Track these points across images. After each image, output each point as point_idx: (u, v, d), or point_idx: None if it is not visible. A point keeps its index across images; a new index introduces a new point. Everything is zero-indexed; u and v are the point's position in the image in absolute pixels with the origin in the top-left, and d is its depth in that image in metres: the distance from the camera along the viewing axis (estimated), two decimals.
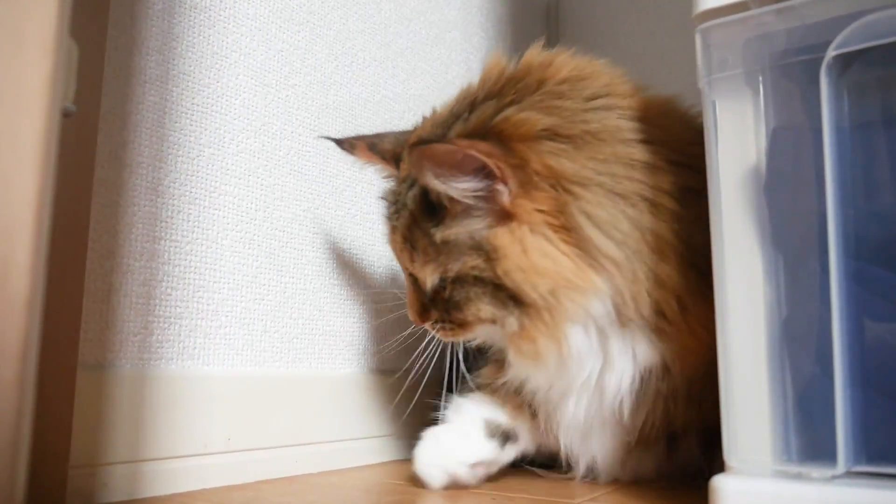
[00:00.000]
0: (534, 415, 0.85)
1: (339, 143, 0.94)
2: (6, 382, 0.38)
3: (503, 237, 0.70)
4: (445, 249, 0.75)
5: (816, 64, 0.57)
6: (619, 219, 0.70)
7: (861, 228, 0.57)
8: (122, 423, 0.75)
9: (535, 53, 0.79)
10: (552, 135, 0.71)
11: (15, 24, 0.39)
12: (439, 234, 0.75)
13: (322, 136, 0.97)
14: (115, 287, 0.77)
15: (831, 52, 0.57)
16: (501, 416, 0.85)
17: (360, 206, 1.08)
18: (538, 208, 0.70)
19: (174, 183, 0.83)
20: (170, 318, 0.82)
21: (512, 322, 0.73)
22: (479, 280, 0.73)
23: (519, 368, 0.77)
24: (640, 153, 0.72)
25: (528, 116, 0.71)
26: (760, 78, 0.61)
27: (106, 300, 0.76)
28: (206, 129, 0.87)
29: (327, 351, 1.01)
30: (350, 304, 1.05)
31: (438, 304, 0.79)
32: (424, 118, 0.87)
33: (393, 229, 0.83)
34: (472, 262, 0.72)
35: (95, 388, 0.73)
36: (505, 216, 0.71)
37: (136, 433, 0.76)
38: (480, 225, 0.72)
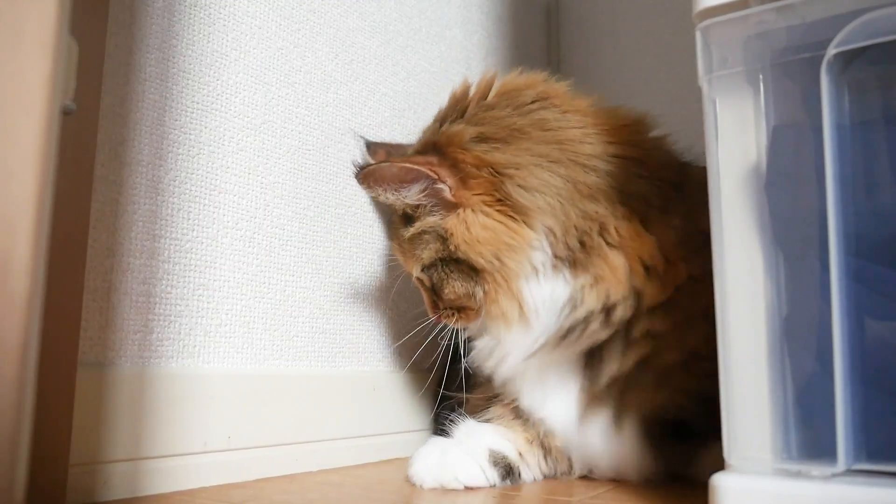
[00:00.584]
0: (547, 451, 0.89)
1: (367, 144, 1.08)
2: (6, 380, 0.38)
3: (452, 221, 0.84)
4: (416, 243, 0.88)
5: (817, 62, 0.57)
6: (549, 178, 0.81)
7: (862, 226, 0.57)
8: (123, 422, 0.75)
9: (484, 77, 0.92)
10: (484, 138, 0.84)
11: (15, 22, 0.38)
12: (407, 234, 0.89)
13: (359, 136, 1.07)
14: (114, 285, 0.77)
15: (832, 50, 0.57)
16: (511, 451, 0.87)
17: (360, 203, 1.08)
18: (476, 193, 0.82)
19: (174, 181, 0.83)
20: (170, 316, 0.82)
21: (479, 291, 0.84)
22: (442, 261, 0.86)
23: (493, 331, 0.85)
24: (568, 134, 0.84)
25: (460, 129, 0.85)
26: (761, 76, 0.61)
27: (106, 298, 0.76)
28: (205, 128, 0.87)
29: (327, 349, 1.01)
30: (350, 302, 1.05)
31: (437, 295, 0.90)
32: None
33: (391, 238, 1.00)
34: (435, 247, 0.86)
35: (95, 386, 0.73)
36: (452, 207, 0.84)
37: (136, 431, 0.76)
38: (436, 218, 0.86)
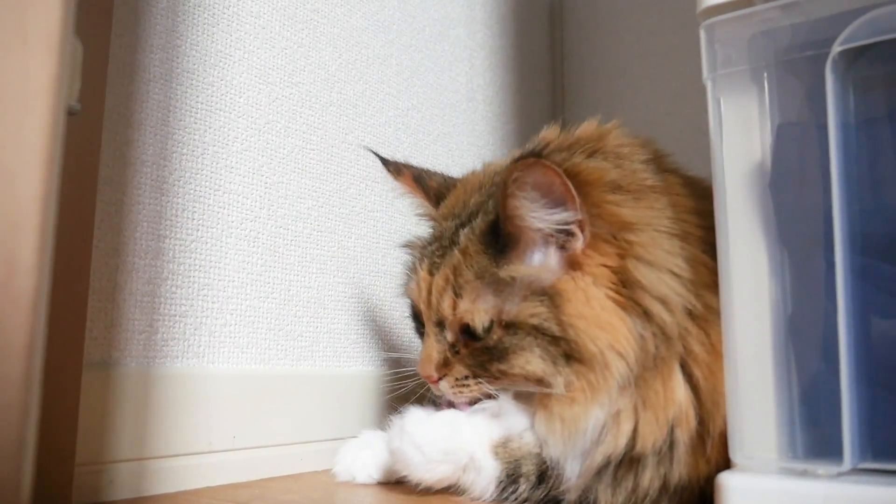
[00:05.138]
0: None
1: (385, 162, 0.90)
2: (12, 381, 0.38)
3: (568, 283, 0.69)
4: (506, 290, 0.71)
5: (821, 60, 0.57)
6: (673, 255, 0.69)
7: (867, 224, 0.57)
8: (128, 421, 0.75)
9: (591, 125, 0.80)
10: (617, 187, 0.71)
11: (20, 23, 0.39)
12: (505, 271, 0.71)
13: (369, 149, 0.88)
14: (119, 285, 0.77)
15: (836, 48, 0.57)
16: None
17: (364, 203, 1.08)
18: (602, 262, 0.69)
19: (178, 181, 0.83)
20: (175, 316, 0.82)
21: (559, 382, 0.69)
22: (536, 329, 0.69)
23: (544, 434, 0.71)
24: (694, 203, 0.72)
25: (601, 165, 0.72)
26: (765, 74, 0.61)
27: (111, 298, 0.76)
28: (210, 128, 0.87)
29: (332, 349, 1.01)
30: (354, 301, 1.05)
31: (474, 356, 0.73)
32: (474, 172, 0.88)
33: (431, 270, 0.77)
34: (534, 310, 0.69)
35: (101, 386, 0.73)
36: (571, 265, 0.70)
37: (141, 431, 0.76)
38: (549, 268, 0.70)
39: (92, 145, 0.74)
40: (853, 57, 0.58)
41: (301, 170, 0.99)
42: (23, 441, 0.39)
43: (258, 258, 0.92)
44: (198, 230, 0.85)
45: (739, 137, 0.62)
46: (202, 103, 0.87)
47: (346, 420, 1.00)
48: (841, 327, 0.55)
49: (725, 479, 0.59)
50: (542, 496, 0.72)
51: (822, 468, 0.56)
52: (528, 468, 0.72)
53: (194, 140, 0.85)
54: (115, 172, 0.77)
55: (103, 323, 0.75)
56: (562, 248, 0.70)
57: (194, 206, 0.85)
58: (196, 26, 0.87)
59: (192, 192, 0.85)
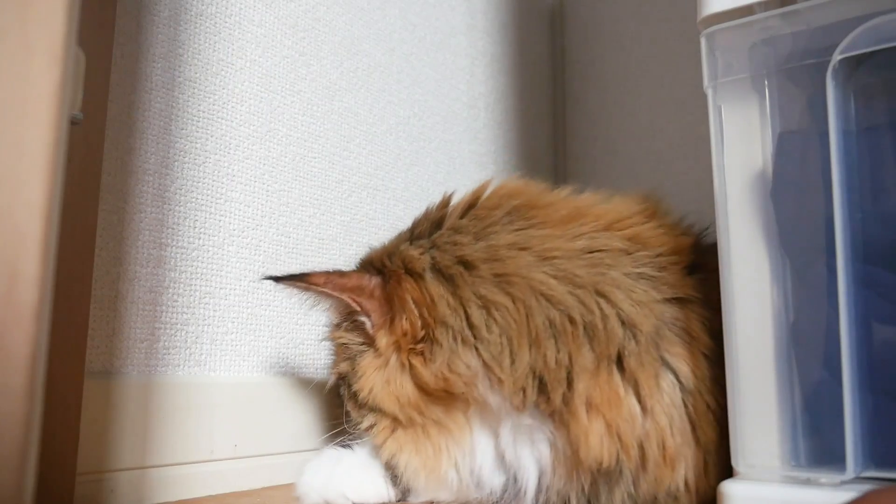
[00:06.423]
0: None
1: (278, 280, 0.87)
2: (14, 391, 0.38)
3: (367, 360, 0.73)
4: (338, 348, 0.78)
5: (822, 68, 0.57)
6: (483, 330, 0.66)
7: (868, 232, 0.57)
8: (129, 430, 0.75)
9: (481, 185, 0.78)
10: (437, 269, 0.70)
11: (23, 34, 0.39)
12: (332, 334, 0.79)
13: (266, 277, 0.83)
14: (121, 294, 0.77)
15: (837, 56, 0.57)
16: None
17: (366, 211, 1.08)
18: (401, 343, 0.70)
19: (180, 189, 0.83)
20: (176, 324, 0.82)
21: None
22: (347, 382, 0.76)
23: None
24: (520, 261, 0.67)
25: (415, 254, 0.73)
26: (766, 82, 0.61)
27: (113, 307, 0.76)
28: (211, 136, 0.87)
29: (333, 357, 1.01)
30: None
31: None
32: None
33: None
34: (347, 366, 0.76)
35: (102, 395, 0.73)
36: (373, 343, 0.72)
37: (142, 440, 0.76)
38: (358, 341, 0.75)
39: (94, 154, 0.74)
40: (854, 65, 0.58)
41: (302, 178, 0.99)
42: (25, 450, 0.39)
43: (260, 266, 0.92)
44: (199, 238, 0.85)
45: (740, 145, 0.62)
46: (204, 112, 0.87)
47: None
48: (843, 335, 0.55)
49: (728, 488, 0.59)
50: None
51: (825, 476, 0.56)
52: None
53: (196, 148, 0.85)
54: (117, 181, 0.78)
55: (105, 332, 0.75)
56: (359, 329, 0.75)
57: (196, 215, 0.85)
58: (198, 35, 0.87)
59: (193, 200, 0.85)
